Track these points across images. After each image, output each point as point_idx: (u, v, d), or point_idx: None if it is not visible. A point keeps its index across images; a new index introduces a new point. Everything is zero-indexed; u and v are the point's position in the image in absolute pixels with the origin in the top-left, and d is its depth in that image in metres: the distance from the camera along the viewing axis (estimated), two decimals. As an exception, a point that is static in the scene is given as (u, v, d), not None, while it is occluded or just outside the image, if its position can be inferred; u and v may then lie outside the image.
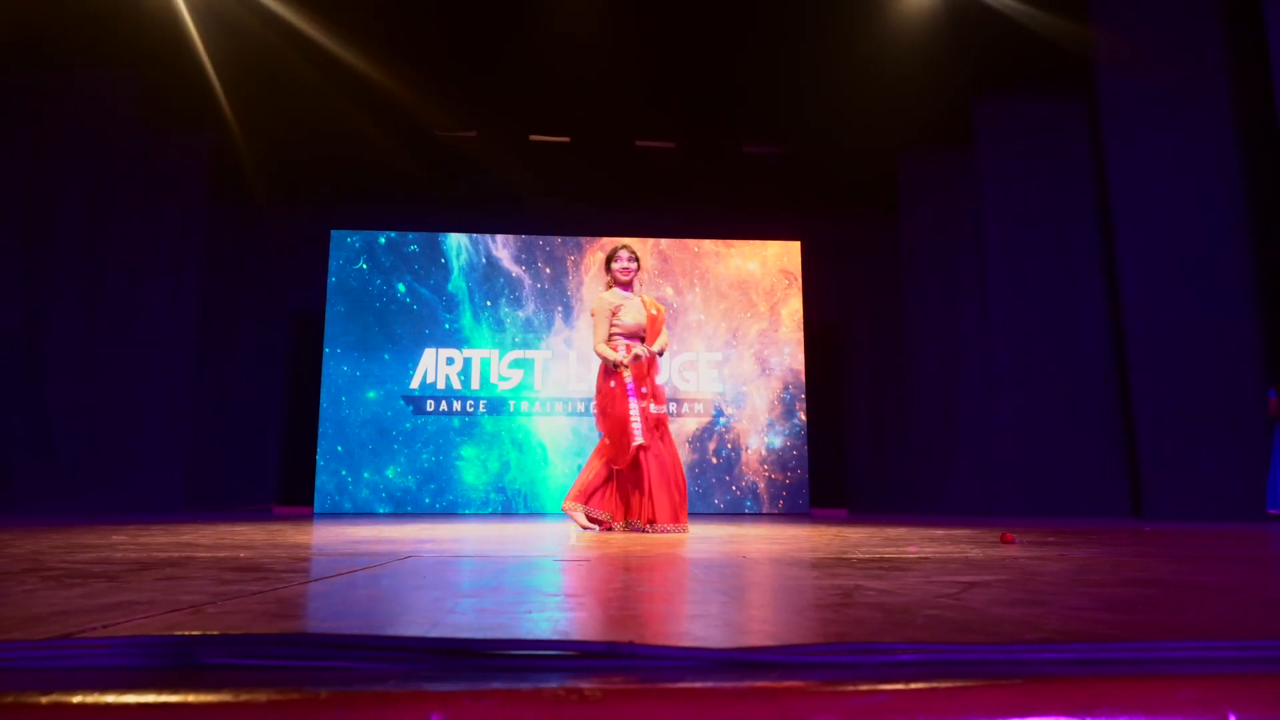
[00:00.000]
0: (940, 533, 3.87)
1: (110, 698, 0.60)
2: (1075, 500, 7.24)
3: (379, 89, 7.62)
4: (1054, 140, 7.86)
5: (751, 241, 9.43)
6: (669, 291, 9.24)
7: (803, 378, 9.11)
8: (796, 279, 9.32)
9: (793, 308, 9.25)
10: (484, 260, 9.11)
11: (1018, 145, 7.91)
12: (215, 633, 0.78)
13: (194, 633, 0.77)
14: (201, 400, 8.28)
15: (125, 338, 7.45)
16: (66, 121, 7.16)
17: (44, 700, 0.59)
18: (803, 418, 9.03)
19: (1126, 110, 6.91)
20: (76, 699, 0.59)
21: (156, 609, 1.20)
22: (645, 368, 4.36)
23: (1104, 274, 7.46)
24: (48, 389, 6.90)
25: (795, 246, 9.40)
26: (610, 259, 4.60)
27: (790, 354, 9.15)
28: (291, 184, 8.78)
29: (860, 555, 2.45)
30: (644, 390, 4.30)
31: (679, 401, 8.99)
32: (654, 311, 4.56)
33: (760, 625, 1.15)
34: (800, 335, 9.20)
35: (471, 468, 8.72)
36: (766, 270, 9.35)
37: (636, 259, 4.59)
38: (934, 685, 0.69)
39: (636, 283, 4.59)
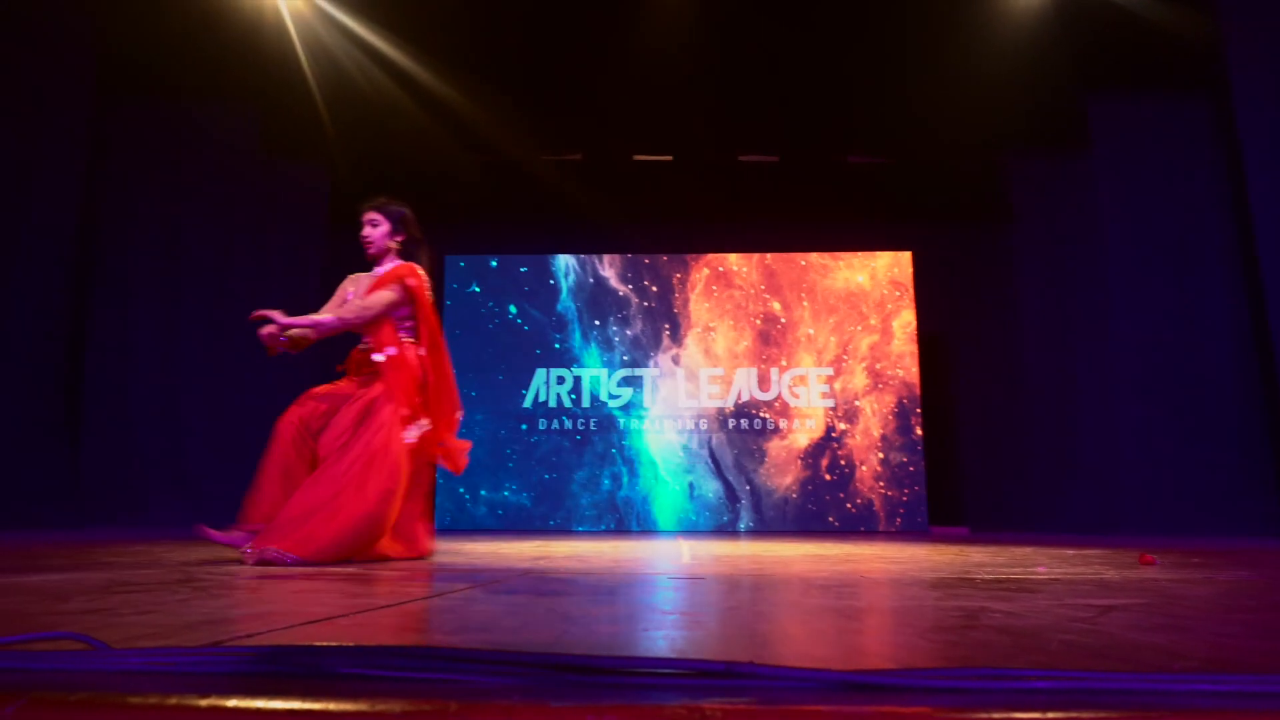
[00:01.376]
0: (1070, 552, 3.67)
1: (259, 703, 0.64)
2: (1210, 517, 6.72)
3: (484, 118, 7.88)
4: (1176, 137, 7.40)
5: (860, 254, 9.25)
6: (776, 307, 9.15)
7: (918, 391, 8.84)
8: (908, 290, 9.07)
9: (905, 320, 9.01)
10: (591, 280, 9.26)
11: (1137, 144, 7.48)
12: (350, 644, 0.82)
13: (330, 644, 0.81)
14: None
15: (250, 361, 7.90)
16: (197, 157, 7.66)
17: (202, 703, 0.63)
18: (919, 432, 8.76)
19: (1263, 102, 6.45)
20: (231, 703, 0.63)
21: (293, 620, 1.27)
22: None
23: (1236, 276, 6.96)
24: (180, 413, 7.39)
25: (906, 257, 9.16)
26: None
27: (904, 367, 8.90)
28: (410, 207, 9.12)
29: (984, 575, 2.35)
30: None
31: (789, 417, 8.86)
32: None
33: (879, 647, 1.12)
34: (914, 348, 8.94)
35: (584, 486, 8.84)
36: (877, 282, 9.14)
37: (382, 215, 3.38)
38: (1070, 715, 0.66)
39: (390, 258, 3.37)
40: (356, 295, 3.26)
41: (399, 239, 3.35)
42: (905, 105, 7.78)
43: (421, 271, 3.32)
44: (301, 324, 3.01)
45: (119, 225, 7.30)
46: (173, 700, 0.64)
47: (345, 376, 3.26)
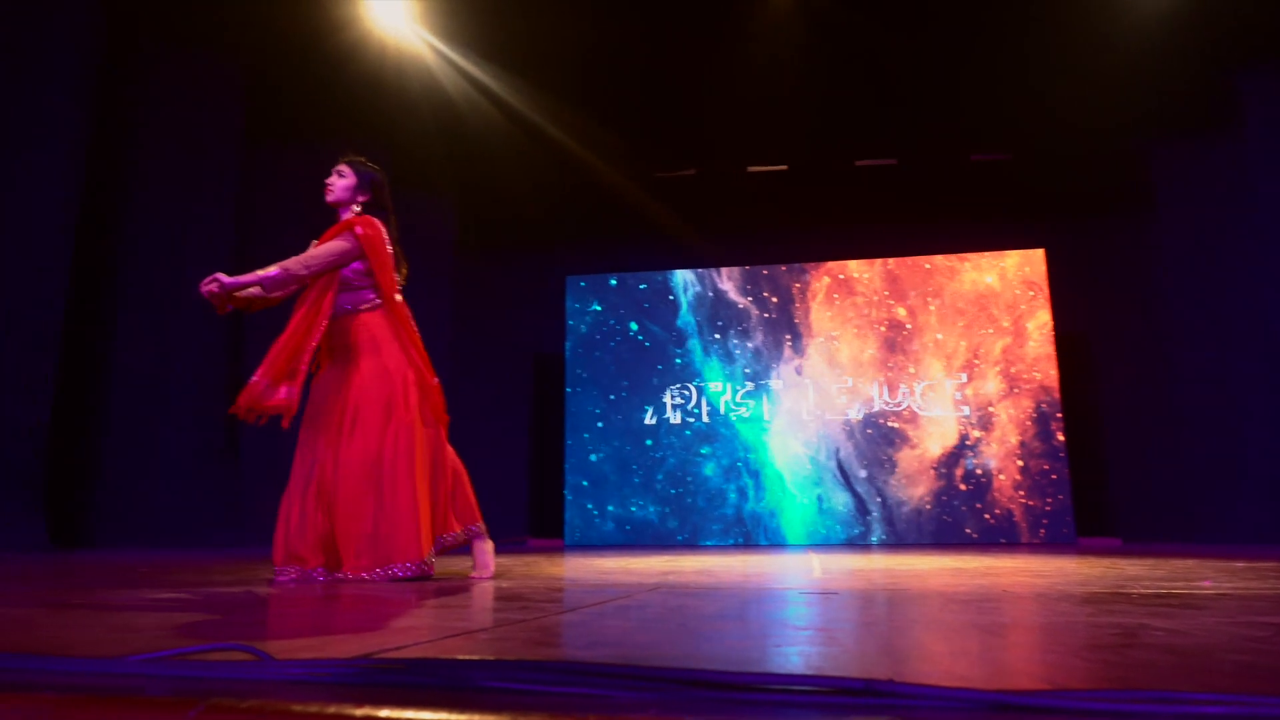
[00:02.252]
0: (1241, 565, 3.39)
1: (409, 713, 0.67)
2: None
3: (597, 140, 8.04)
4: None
5: (988, 254, 8.88)
6: (901, 312, 8.88)
7: (1057, 394, 8.38)
8: (1042, 289, 8.63)
9: (1040, 320, 8.57)
10: (711, 294, 9.25)
11: (1295, 121, 6.86)
12: (491, 658, 0.84)
13: (473, 657, 0.84)
14: (457, 439, 9.01)
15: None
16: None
17: (357, 713, 0.67)
18: (1061, 438, 8.30)
19: None
20: (383, 713, 0.66)
21: (437, 634, 1.32)
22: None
23: None
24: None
25: (1038, 255, 8.73)
26: None
27: (1042, 370, 8.46)
28: (527, 235, 9.43)
29: (1141, 590, 2.20)
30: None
31: (919, 426, 8.57)
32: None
33: (1027, 666, 1.07)
34: (1051, 349, 8.49)
35: (710, 500, 8.81)
36: (1007, 282, 8.74)
37: (351, 169, 3.24)
38: (1250, 742, 0.61)
39: (351, 211, 3.20)
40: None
41: (363, 199, 3.16)
42: (1030, 94, 7.42)
43: (379, 225, 3.13)
44: (246, 280, 2.86)
45: (268, 261, 7.83)
46: (331, 709, 0.67)
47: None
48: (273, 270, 2.86)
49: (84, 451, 6.44)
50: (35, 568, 3.43)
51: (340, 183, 3.15)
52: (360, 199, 3.15)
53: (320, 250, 2.96)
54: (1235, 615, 1.57)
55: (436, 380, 3.04)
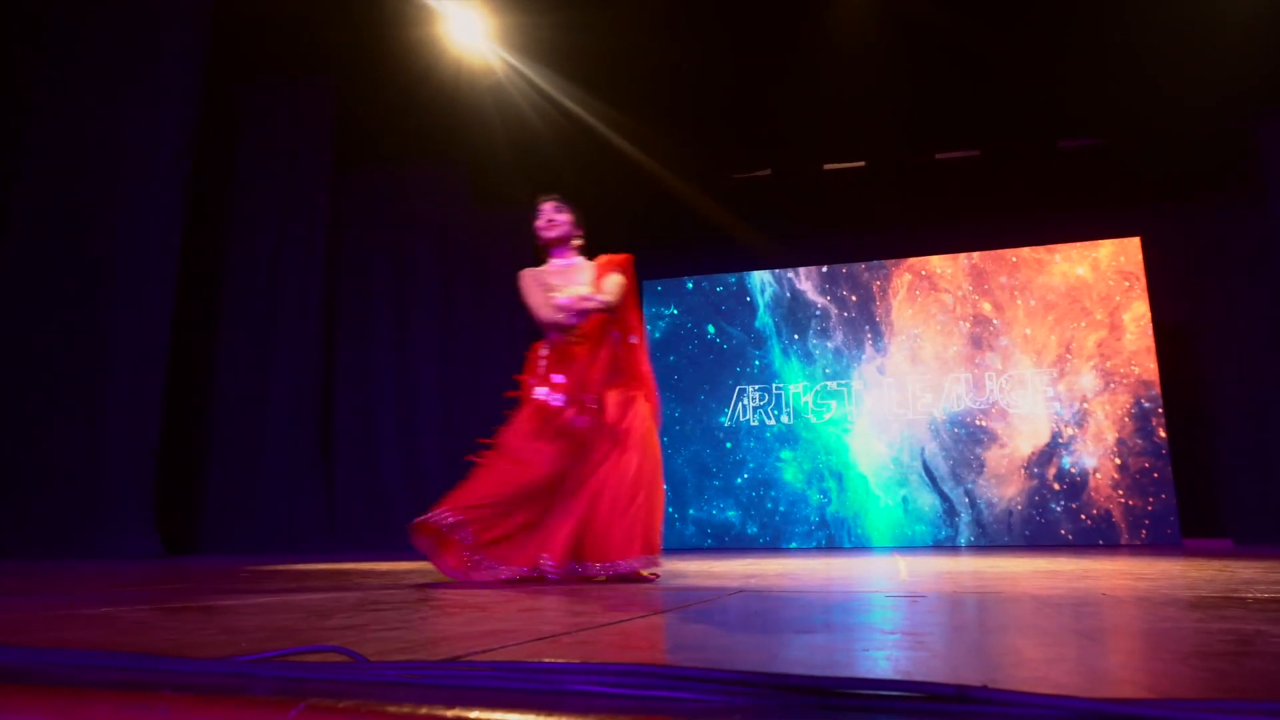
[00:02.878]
0: (1366, 567, 3.17)
1: (498, 714, 0.68)
2: None
3: (671, 144, 8.04)
4: None
5: (1078, 244, 8.54)
6: (986, 307, 8.63)
7: (1157, 389, 8.00)
8: (1139, 279, 8.26)
9: (1136, 312, 8.20)
10: (788, 294, 9.16)
11: None
12: (577, 661, 0.85)
13: (560, 660, 0.85)
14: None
15: (475, 397, 8.48)
16: (417, 213, 8.39)
17: (448, 714, 0.68)
18: (1162, 434, 7.92)
19: None
20: (474, 714, 0.68)
21: (522, 637, 1.34)
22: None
23: None
24: (418, 446, 8.04)
25: (1134, 243, 8.35)
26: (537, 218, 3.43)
27: (1139, 364, 8.09)
28: (603, 244, 9.47)
29: (1257, 594, 2.08)
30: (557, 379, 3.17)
31: (1008, 424, 8.30)
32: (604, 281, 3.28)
33: (1131, 674, 1.02)
34: (1149, 342, 8.11)
35: (792, 501, 8.71)
36: (1100, 273, 8.40)
37: (564, 206, 3.38)
38: (1382, 756, 0.57)
39: (570, 247, 3.37)
40: (570, 283, 3.26)
41: (579, 233, 3.40)
42: (1120, 75, 7.11)
43: None
44: (593, 304, 3.17)
45: (357, 281, 8.10)
46: (424, 710, 0.69)
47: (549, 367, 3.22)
48: (600, 297, 3.19)
49: (192, 464, 6.77)
50: (148, 573, 3.62)
51: (563, 218, 3.35)
52: (578, 233, 3.40)
53: (614, 286, 3.24)
54: (1362, 620, 1.47)
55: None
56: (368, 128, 7.79)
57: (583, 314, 3.16)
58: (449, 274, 8.49)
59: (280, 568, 4.13)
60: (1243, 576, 2.77)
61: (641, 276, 9.53)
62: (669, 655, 1.21)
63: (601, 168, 8.31)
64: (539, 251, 3.43)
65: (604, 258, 3.36)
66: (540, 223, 3.34)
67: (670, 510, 8.96)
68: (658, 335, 9.36)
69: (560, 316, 3.15)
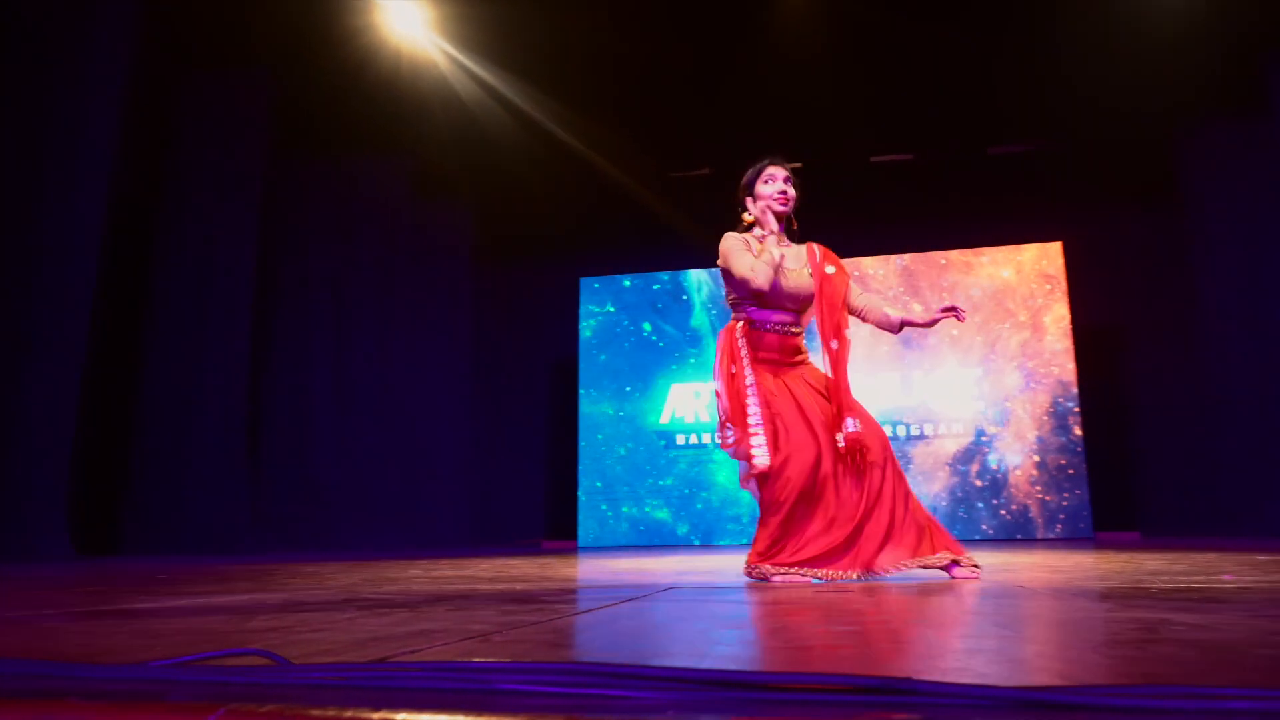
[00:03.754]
0: (1263, 558, 3.35)
1: (426, 716, 0.67)
2: None
3: (612, 141, 8.04)
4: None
5: (1004, 247, 8.82)
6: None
7: (1075, 389, 8.31)
8: (1060, 282, 8.56)
9: (1057, 314, 8.51)
10: (725, 294, 9.23)
11: (1327, 105, 6.76)
12: (508, 660, 0.85)
13: (490, 660, 0.84)
14: (477, 444, 9.10)
15: (413, 391, 8.36)
16: (357, 205, 8.22)
17: (375, 716, 0.67)
18: (1078, 432, 8.23)
19: None
20: (400, 717, 0.66)
21: (452, 637, 1.32)
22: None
23: None
24: (355, 439, 7.88)
25: (1055, 248, 8.66)
26: (753, 177, 2.95)
27: (1058, 364, 8.39)
28: (542, 239, 9.46)
29: (1161, 584, 2.17)
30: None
31: (934, 421, 8.52)
32: (830, 270, 2.95)
33: (1048, 663, 1.06)
34: (1069, 343, 8.42)
35: (724, 499, 8.79)
36: (1024, 276, 8.68)
37: (793, 179, 2.94)
38: (1276, 737, 0.60)
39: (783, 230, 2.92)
40: (805, 289, 2.87)
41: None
42: (1051, 86, 7.36)
43: None
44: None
45: (291, 272, 7.89)
46: (349, 713, 0.67)
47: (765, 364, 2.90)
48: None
49: (113, 461, 6.51)
50: (62, 576, 3.46)
51: (794, 194, 2.93)
52: (752, 204, 2.95)
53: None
54: (1261, 609, 1.56)
55: None
56: (307, 118, 7.60)
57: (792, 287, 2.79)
58: (390, 267, 8.34)
59: (203, 569, 4.00)
60: (1149, 568, 2.90)
61: (579, 273, 9.57)
62: (600, 653, 1.20)
63: (542, 162, 8.27)
64: (740, 222, 2.98)
65: (816, 246, 2.98)
66: (771, 193, 2.86)
67: (603, 507, 8.97)
68: (596, 331, 9.34)
69: (770, 277, 2.74)
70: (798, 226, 2.99)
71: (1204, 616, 1.45)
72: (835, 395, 2.82)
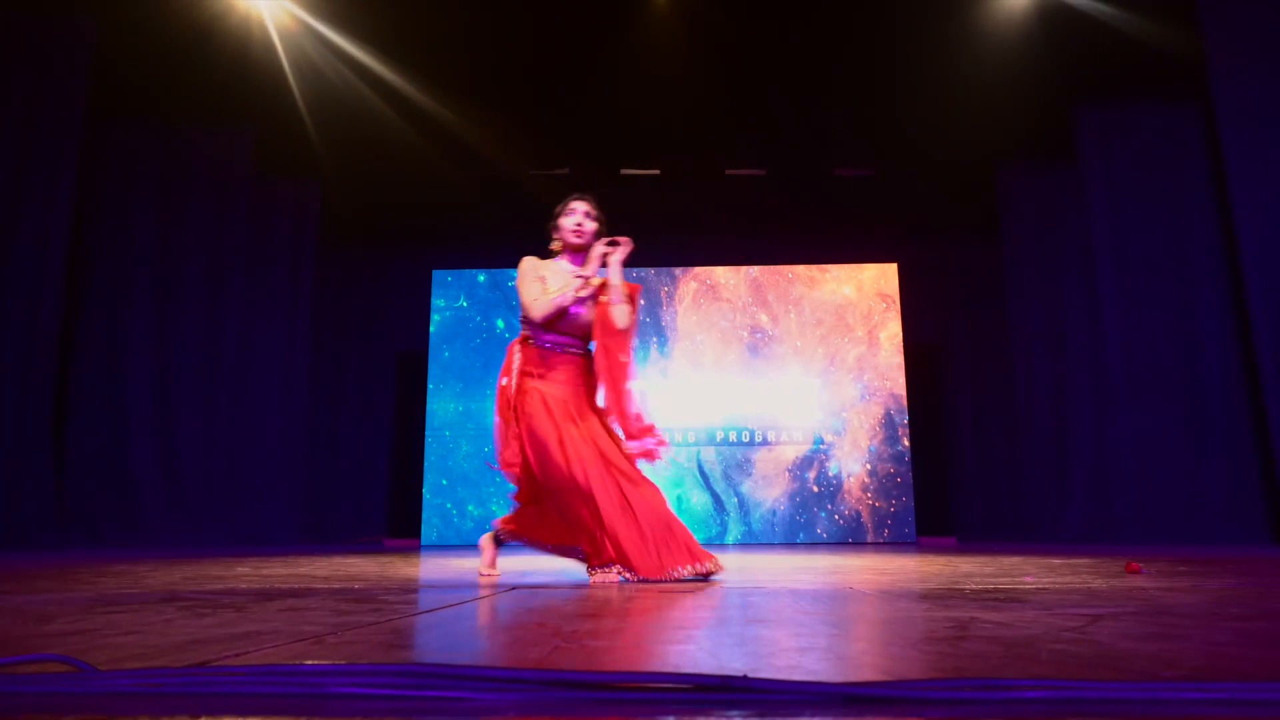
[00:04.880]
0: (1058, 561, 3.69)
1: (250, 724, 0.63)
2: (1205, 526, 6.76)
3: (470, 134, 7.90)
4: (1165, 147, 7.48)
5: (846, 265, 9.30)
6: (764, 319, 9.17)
7: (905, 402, 8.88)
8: (895, 301, 9.12)
9: (891, 331, 9.05)
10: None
11: (1125, 154, 7.55)
12: (342, 662, 0.81)
13: (321, 663, 0.81)
14: (315, 437, 8.68)
15: (244, 379, 7.87)
16: (190, 176, 7.65)
17: (192, 726, 0.62)
18: (906, 443, 8.79)
19: (1245, 114, 6.52)
20: (221, 725, 0.62)
21: (282, 639, 1.26)
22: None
23: (1227, 284, 7.02)
24: (175, 429, 7.34)
25: (892, 269, 9.22)
26: (558, 212, 3.18)
27: (891, 378, 8.93)
28: (393, 228, 9.16)
29: (973, 586, 2.36)
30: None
31: (777, 429, 8.87)
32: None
33: (872, 659, 1.12)
34: (900, 359, 8.98)
35: (571, 499, 8.80)
36: (863, 294, 9.19)
37: (595, 213, 3.19)
38: (1065, 724, 0.66)
39: (617, 260, 3.10)
40: (575, 293, 3.02)
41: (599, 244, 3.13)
42: (892, 117, 7.84)
43: None
44: (616, 276, 3.06)
45: (111, 245, 7.25)
46: (163, 722, 0.63)
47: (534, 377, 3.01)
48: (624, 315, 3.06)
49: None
50: None
51: (592, 227, 3.14)
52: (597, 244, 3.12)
53: (629, 318, 3.10)
54: (1053, 607, 1.71)
55: None
56: (140, 79, 6.98)
57: (573, 312, 3.00)
58: (225, 245, 7.79)
59: (-8, 566, 3.62)
60: (963, 570, 3.13)
61: (432, 266, 9.32)
62: (439, 654, 1.18)
63: (401, 148, 8.00)
64: (550, 248, 3.20)
65: (633, 287, 3.22)
66: (569, 225, 3.10)
67: (449, 506, 8.78)
68: (447, 326, 9.14)
69: (549, 314, 2.95)
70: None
71: (1008, 615, 1.58)
72: (614, 407, 3.09)
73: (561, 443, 2.85)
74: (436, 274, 9.25)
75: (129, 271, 7.29)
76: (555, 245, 3.17)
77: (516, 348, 3.09)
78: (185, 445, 7.33)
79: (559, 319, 3.00)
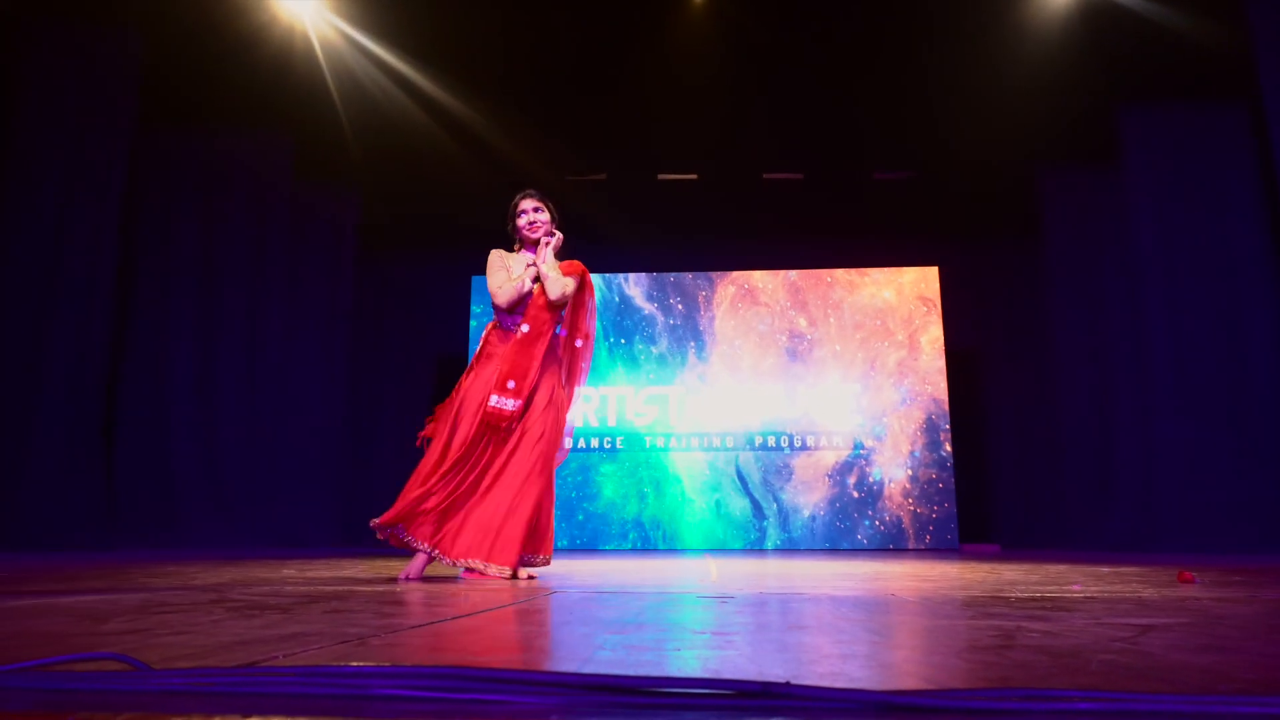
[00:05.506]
0: (1106, 570, 3.61)
1: (298, 724, 0.64)
2: (1252, 535, 6.55)
3: (507, 140, 7.97)
4: (1210, 148, 7.29)
5: (886, 269, 9.21)
6: (803, 323, 9.11)
7: (946, 407, 8.76)
8: (936, 305, 9.01)
9: (933, 335, 8.94)
10: (617, 299, 9.28)
11: (1169, 155, 7.37)
12: (386, 664, 0.82)
13: (366, 664, 0.82)
14: (354, 439, 8.80)
15: (284, 383, 8.00)
16: (231, 184, 7.81)
17: (242, 724, 0.64)
18: (948, 449, 8.67)
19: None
20: (270, 724, 0.64)
21: (327, 640, 1.28)
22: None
23: (1274, 291, 6.82)
24: (218, 432, 7.49)
25: (933, 272, 9.11)
26: (511, 213, 3.45)
27: (932, 383, 8.82)
28: (432, 234, 9.27)
29: (1018, 594, 2.31)
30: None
31: (816, 434, 8.80)
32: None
33: (915, 668, 1.11)
34: (942, 363, 8.86)
35: (610, 503, 8.82)
36: (903, 298, 9.09)
37: (547, 208, 3.40)
38: (1115, 737, 0.65)
39: (549, 249, 3.32)
40: (533, 274, 3.31)
41: (557, 232, 3.43)
42: (932, 119, 7.76)
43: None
44: (545, 265, 3.29)
45: (156, 252, 7.43)
46: (216, 719, 0.64)
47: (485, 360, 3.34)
48: (553, 276, 3.28)
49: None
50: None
51: (544, 218, 3.40)
52: (555, 231, 3.42)
53: (566, 284, 3.33)
54: (1102, 617, 1.68)
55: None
56: (182, 88, 7.16)
57: (527, 299, 3.28)
58: (266, 250, 7.95)
59: (45, 566, 3.73)
60: (1007, 578, 3.08)
61: (470, 271, 9.40)
62: (483, 657, 1.19)
63: (436, 155, 8.10)
64: (513, 241, 3.49)
65: (564, 264, 3.43)
66: (522, 222, 3.40)
67: (489, 510, 8.84)
68: (472, 332, 9.22)
69: (512, 298, 3.26)
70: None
71: (1054, 624, 1.55)
72: (570, 381, 3.49)
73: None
74: (476, 280, 9.34)
75: (172, 277, 7.47)
76: (516, 246, 3.47)
77: (486, 331, 3.47)
78: (227, 448, 7.48)
79: (519, 303, 3.30)
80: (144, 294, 7.33)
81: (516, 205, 3.44)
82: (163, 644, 1.23)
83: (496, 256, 3.42)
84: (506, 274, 3.33)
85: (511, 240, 3.47)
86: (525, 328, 3.25)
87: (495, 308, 3.36)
